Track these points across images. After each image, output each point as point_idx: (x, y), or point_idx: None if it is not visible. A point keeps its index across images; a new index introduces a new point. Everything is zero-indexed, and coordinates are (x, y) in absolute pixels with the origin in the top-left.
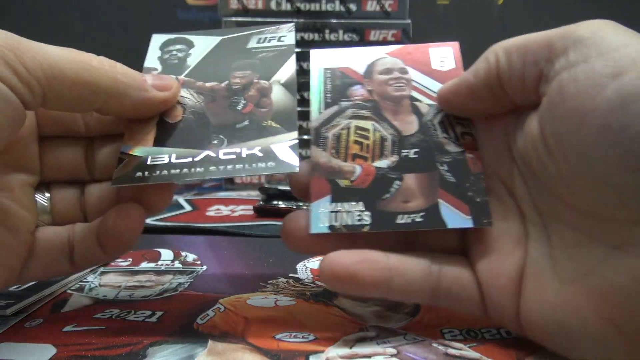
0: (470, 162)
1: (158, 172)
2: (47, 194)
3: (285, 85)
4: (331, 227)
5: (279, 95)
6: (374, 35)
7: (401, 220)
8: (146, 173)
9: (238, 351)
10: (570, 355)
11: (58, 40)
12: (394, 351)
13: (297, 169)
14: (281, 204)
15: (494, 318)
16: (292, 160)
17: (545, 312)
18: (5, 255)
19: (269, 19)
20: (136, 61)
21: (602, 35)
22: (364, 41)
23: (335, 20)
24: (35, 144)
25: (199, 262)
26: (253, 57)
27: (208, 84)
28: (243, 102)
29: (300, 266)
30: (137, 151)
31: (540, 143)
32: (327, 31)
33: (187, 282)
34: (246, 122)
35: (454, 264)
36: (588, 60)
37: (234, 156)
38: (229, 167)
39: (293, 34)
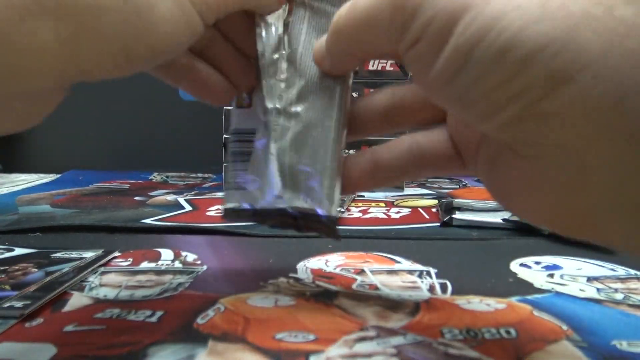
0: None
1: None
2: None
3: None
4: None
5: None
6: None
7: None
8: None
9: (238, 351)
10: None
11: None
12: (394, 351)
13: None
14: None
15: (470, 172)
16: None
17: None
18: None
19: None
20: None
21: None
22: None
23: None
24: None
25: (199, 262)
26: None
27: None
28: None
29: (300, 266)
30: None
31: None
32: None
33: (187, 282)
34: None
35: (433, 134)
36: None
37: None
38: None
39: None
